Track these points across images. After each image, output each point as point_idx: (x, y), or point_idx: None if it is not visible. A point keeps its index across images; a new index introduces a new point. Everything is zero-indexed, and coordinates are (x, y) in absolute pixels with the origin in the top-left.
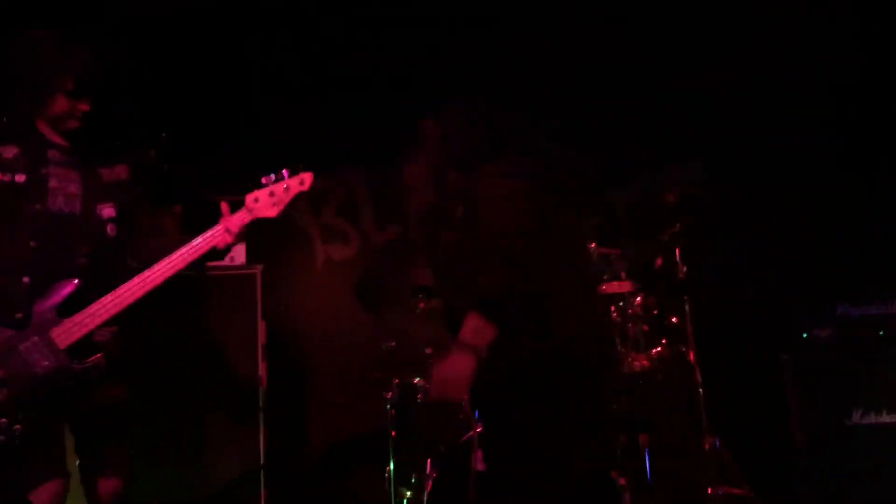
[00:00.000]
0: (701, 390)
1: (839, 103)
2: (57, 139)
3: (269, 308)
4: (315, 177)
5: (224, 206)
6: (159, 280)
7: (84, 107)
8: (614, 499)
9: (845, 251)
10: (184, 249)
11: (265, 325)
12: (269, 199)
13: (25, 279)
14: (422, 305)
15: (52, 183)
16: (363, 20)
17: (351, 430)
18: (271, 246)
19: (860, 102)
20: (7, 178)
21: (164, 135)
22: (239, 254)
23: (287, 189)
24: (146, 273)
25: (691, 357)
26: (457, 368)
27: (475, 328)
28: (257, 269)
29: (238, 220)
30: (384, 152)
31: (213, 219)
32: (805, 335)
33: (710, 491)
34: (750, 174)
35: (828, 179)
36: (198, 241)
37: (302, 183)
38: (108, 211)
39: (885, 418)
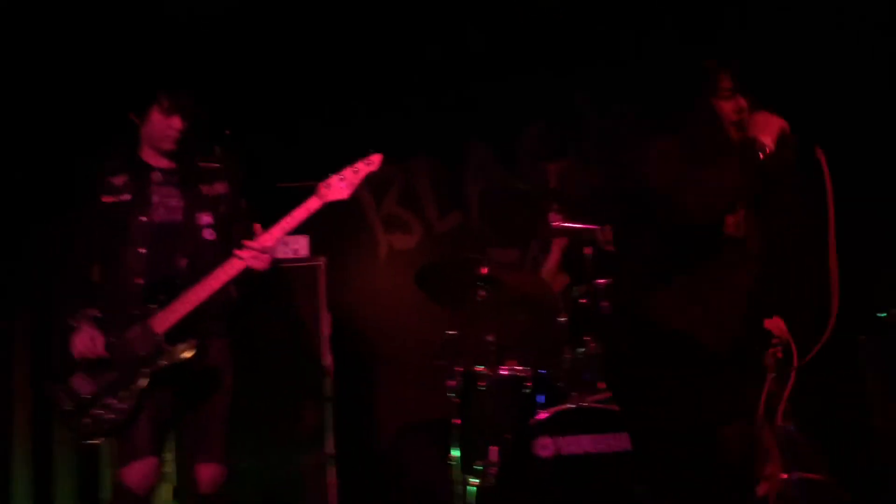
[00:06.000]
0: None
1: None
2: (158, 163)
3: (334, 299)
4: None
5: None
6: (240, 267)
7: (177, 124)
8: None
9: None
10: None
11: (330, 316)
12: (339, 183)
13: (139, 280)
14: (483, 294)
15: (155, 199)
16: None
17: (417, 418)
18: (334, 238)
19: None
20: (115, 198)
21: (227, 131)
22: (302, 246)
23: (357, 171)
24: (226, 263)
25: None
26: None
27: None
28: (321, 261)
29: (311, 206)
30: (445, 140)
31: (281, 209)
32: (883, 315)
33: (785, 476)
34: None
35: None
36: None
37: (370, 164)
38: (205, 218)
39: None
